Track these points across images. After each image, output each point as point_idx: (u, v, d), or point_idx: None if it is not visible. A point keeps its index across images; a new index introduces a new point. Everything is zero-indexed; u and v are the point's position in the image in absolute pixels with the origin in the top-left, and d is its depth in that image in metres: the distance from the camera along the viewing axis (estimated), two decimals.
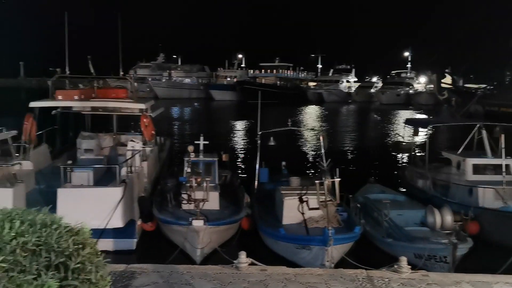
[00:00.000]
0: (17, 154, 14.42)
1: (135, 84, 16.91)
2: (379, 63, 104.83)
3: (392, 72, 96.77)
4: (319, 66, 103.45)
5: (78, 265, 3.11)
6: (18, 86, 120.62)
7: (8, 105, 33.48)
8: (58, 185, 11.63)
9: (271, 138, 15.48)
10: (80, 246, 3.42)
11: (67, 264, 3.04)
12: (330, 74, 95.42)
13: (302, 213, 11.66)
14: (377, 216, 12.52)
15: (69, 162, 13.19)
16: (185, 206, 12.05)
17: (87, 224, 3.81)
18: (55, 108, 16.89)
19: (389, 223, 11.85)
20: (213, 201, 12.31)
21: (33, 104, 15.00)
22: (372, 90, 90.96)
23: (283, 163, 17.61)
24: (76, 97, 15.53)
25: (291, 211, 11.96)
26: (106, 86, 17.99)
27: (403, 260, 8.06)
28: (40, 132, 15.65)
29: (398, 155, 25.66)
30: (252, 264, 8.27)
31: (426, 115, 46.04)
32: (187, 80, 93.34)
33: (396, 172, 20.65)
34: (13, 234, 3.18)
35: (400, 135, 23.98)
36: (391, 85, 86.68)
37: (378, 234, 11.83)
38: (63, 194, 11.15)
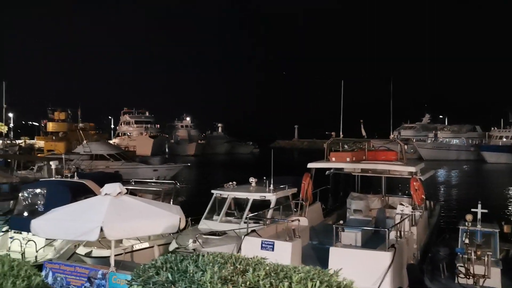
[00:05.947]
0: (295, 210, 15.88)
1: (405, 146, 16.73)
2: None
3: None
4: None
5: None
6: (292, 147, 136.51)
7: (287, 163, 37.54)
8: (328, 242, 12.11)
9: None
10: None
11: None
12: None
13: None
14: None
15: (341, 221, 13.67)
16: (462, 280, 11.00)
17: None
18: (329, 168, 18.05)
19: None
20: (494, 278, 10.93)
21: (310, 165, 16.34)
22: None
23: None
24: (348, 159, 16.25)
25: None
26: (374, 148, 18.38)
27: None
28: (315, 190, 16.86)
29: None
30: None
31: None
32: (455, 141, 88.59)
33: None
34: None
35: None
36: None
37: None
38: (335, 253, 11.50)
